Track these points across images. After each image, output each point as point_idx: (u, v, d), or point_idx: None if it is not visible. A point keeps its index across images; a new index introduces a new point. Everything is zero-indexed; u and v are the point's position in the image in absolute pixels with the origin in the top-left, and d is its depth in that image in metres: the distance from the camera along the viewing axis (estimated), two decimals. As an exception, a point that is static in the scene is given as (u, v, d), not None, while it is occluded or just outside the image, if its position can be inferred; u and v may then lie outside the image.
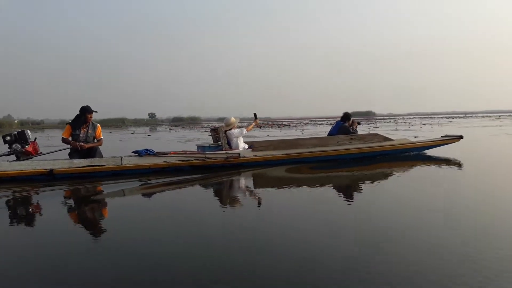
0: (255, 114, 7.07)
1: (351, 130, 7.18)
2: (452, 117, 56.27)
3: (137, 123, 68.55)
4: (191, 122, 74.30)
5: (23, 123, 56.11)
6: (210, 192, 4.94)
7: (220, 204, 4.17)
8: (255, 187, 5.06)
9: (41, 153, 6.12)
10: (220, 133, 6.46)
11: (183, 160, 6.03)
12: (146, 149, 6.02)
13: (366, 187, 4.77)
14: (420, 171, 6.03)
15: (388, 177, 5.45)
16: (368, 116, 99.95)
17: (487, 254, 2.29)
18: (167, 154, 6.08)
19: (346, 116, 7.39)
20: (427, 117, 62.24)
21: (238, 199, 4.39)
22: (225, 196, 4.64)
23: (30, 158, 5.80)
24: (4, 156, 5.79)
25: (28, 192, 4.87)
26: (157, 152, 6.04)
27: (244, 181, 5.53)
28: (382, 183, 4.99)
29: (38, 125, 57.99)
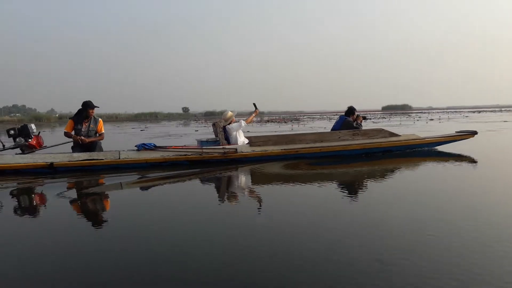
0: (254, 104, 6.97)
1: (355, 125, 6.92)
2: (500, 111, 53.04)
3: (170, 117, 69.80)
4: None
5: (61, 116, 58.56)
6: (203, 187, 4.94)
7: (211, 199, 4.15)
8: (250, 183, 5.03)
9: (45, 146, 6.34)
10: (217, 127, 6.43)
11: (180, 155, 6.06)
12: (144, 144, 6.09)
13: (367, 184, 4.58)
14: (428, 168, 5.72)
15: (392, 174, 5.25)
16: (404, 110, 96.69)
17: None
18: (165, 148, 6.13)
19: (350, 110, 7.12)
20: (465, 111, 59.36)
21: (232, 195, 4.40)
22: (219, 191, 4.62)
23: (34, 151, 6.01)
24: (10, 149, 6.04)
25: (29, 184, 5.07)
26: (155, 147, 6.10)
27: (240, 177, 5.49)
28: (384, 181, 4.79)
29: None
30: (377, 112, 73.64)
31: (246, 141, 6.58)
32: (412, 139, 6.84)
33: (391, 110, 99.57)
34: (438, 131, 11.03)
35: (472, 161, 6.09)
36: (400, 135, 6.81)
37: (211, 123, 7.25)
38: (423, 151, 6.93)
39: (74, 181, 5.23)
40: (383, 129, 6.79)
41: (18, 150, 6.06)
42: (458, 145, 7.23)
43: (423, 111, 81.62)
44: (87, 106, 6.15)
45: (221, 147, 6.23)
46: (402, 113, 60.12)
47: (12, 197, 4.44)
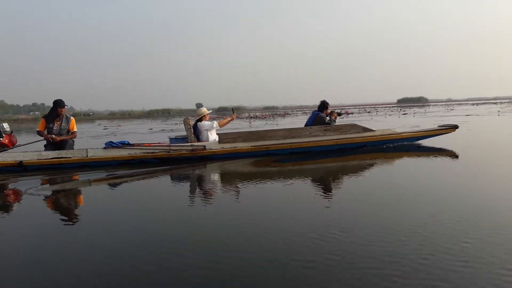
0: (232, 109, 7.06)
1: (327, 121, 6.78)
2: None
3: (183, 113, 70.40)
4: (236, 111, 74.71)
5: (76, 114, 59.71)
6: (162, 185, 4.87)
7: (165, 197, 4.11)
8: (215, 181, 5.01)
9: (19, 145, 6.45)
10: (185, 124, 6.40)
11: (148, 152, 6.07)
12: (111, 142, 6.13)
13: (335, 181, 4.51)
14: (403, 162, 5.66)
15: (364, 169, 5.15)
16: (420, 102, 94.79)
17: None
18: (131, 146, 6.15)
19: (323, 105, 6.92)
20: (483, 103, 57.75)
21: (197, 191, 4.41)
22: (180, 189, 4.60)
23: (6, 150, 6.12)
24: (-16, 149, 6.16)
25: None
26: (122, 144, 6.12)
27: (204, 174, 5.47)
28: (353, 176, 4.73)
29: (89, 116, 61.50)
30: (387, 106, 72.37)
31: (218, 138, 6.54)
32: (388, 134, 6.67)
33: (406, 102, 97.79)
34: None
35: (453, 155, 5.98)
36: (374, 130, 6.65)
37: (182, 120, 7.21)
38: (403, 146, 6.77)
39: (44, 179, 5.28)
40: (356, 124, 6.64)
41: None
42: (442, 140, 7.06)
43: (441, 103, 79.84)
44: (57, 105, 6.23)
45: (189, 144, 6.22)
46: (416, 105, 58.98)
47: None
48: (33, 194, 4.35)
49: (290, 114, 40.89)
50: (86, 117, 60.52)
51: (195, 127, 6.61)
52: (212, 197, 3.92)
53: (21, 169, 5.71)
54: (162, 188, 4.62)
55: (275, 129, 6.70)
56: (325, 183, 4.44)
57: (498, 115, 19.49)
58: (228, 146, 6.23)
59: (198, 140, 6.48)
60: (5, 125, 6.26)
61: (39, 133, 6.26)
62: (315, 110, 7.03)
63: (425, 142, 6.97)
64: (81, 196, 4.33)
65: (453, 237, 2.36)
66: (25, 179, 5.24)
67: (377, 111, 35.25)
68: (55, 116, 6.26)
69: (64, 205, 3.90)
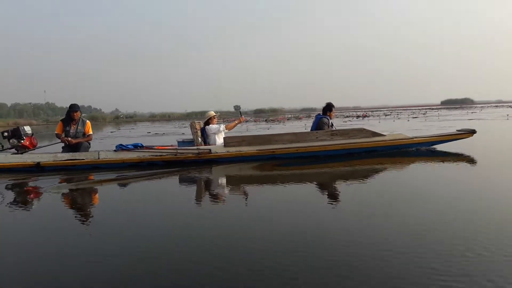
0: (240, 112, 7.02)
1: (330, 124, 6.66)
2: None
3: (221, 115, 71.44)
4: (271, 113, 74.81)
5: (118, 116, 62.23)
6: (172, 185, 5.11)
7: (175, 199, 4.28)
8: (220, 184, 5.11)
9: (39, 146, 6.86)
10: (192, 128, 6.53)
11: (156, 155, 6.26)
12: (121, 144, 6.37)
13: (341, 186, 4.49)
14: (415, 168, 5.43)
15: (372, 176, 4.99)
16: (465, 103, 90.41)
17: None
18: (141, 149, 6.36)
19: (327, 108, 6.74)
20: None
21: (200, 194, 4.50)
22: (185, 191, 4.76)
23: (27, 151, 6.52)
24: (8, 150, 6.60)
25: (17, 181, 5.54)
26: (133, 147, 6.34)
27: (209, 177, 5.57)
28: (363, 183, 4.54)
29: (131, 118, 63.89)
30: (427, 107, 69.53)
31: (224, 142, 6.61)
32: (398, 139, 6.45)
33: (450, 104, 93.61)
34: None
35: (470, 160, 5.72)
36: (384, 135, 6.45)
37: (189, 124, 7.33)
38: (416, 151, 6.53)
39: (58, 179, 5.61)
40: (364, 129, 6.47)
41: (15, 151, 6.62)
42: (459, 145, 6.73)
43: (488, 104, 75.67)
44: (71, 109, 6.57)
45: (195, 147, 6.33)
46: (459, 107, 56.34)
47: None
48: (50, 192, 4.73)
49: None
50: (128, 119, 62.86)
51: (203, 130, 6.74)
52: (213, 201, 4.09)
53: (38, 169, 6.07)
54: (167, 189, 4.85)
55: (281, 133, 6.68)
56: (328, 190, 4.38)
57: (507, 119, 17.71)
58: (233, 149, 6.28)
59: (206, 143, 6.59)
60: (27, 128, 6.67)
61: (57, 135, 6.63)
62: (319, 114, 6.91)
63: (440, 147, 6.67)
64: (94, 195, 4.70)
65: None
66: (43, 179, 5.58)
67: (398, 114, 33.65)
68: (71, 120, 6.59)
69: (78, 202, 4.32)
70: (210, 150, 6.26)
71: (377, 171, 5.26)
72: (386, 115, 32.06)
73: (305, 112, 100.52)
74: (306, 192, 4.26)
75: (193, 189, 4.82)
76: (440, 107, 70.46)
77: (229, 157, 6.24)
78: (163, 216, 3.45)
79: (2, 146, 6.60)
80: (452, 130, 7.24)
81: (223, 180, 5.31)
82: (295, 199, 3.81)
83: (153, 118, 65.71)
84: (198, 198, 4.27)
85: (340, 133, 6.36)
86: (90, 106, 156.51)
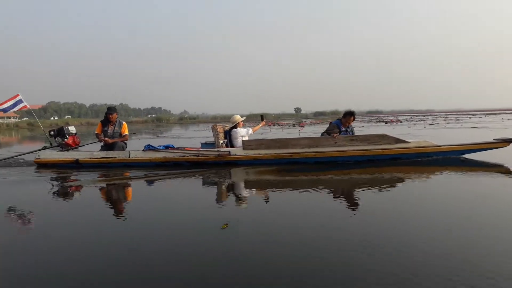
0: (261, 116, 7.32)
1: (335, 131, 6.67)
2: None
3: (279, 117, 71.81)
4: (333, 116, 73.53)
5: (182, 117, 65.13)
6: (191, 185, 5.32)
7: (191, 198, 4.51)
8: (238, 185, 5.22)
9: (82, 145, 7.56)
10: (213, 131, 6.78)
11: (179, 156, 6.61)
12: (149, 145, 6.81)
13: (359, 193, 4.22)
14: (442, 178, 5.01)
15: (392, 185, 4.64)
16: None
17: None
18: (166, 150, 6.75)
19: (343, 114, 6.88)
20: None
21: (214, 195, 4.67)
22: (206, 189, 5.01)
23: (69, 149, 7.23)
24: (55, 147, 7.37)
25: (59, 175, 6.22)
26: (158, 148, 6.76)
27: (227, 178, 5.70)
28: (377, 192, 4.16)
29: (194, 120, 66.54)
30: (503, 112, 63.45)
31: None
32: (424, 147, 6.13)
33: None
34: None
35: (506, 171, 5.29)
36: (408, 142, 6.17)
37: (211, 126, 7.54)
38: (444, 160, 6.16)
39: (92, 174, 6.18)
40: (386, 135, 6.22)
41: (60, 148, 7.38)
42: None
43: None
44: (108, 111, 7.16)
45: (216, 149, 6.58)
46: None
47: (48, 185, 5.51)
48: (86, 185, 5.37)
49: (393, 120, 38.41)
50: (191, 120, 65.58)
51: (228, 133, 6.98)
52: (222, 201, 4.24)
53: (77, 165, 6.73)
54: (188, 188, 5.10)
55: (298, 138, 6.67)
56: (339, 199, 4.15)
57: None
58: (252, 152, 6.42)
59: (232, 145, 6.83)
60: (71, 128, 7.41)
61: (96, 135, 7.27)
62: (338, 119, 6.89)
63: (472, 157, 6.23)
64: (125, 190, 5.11)
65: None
66: (81, 174, 6.19)
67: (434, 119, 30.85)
68: (108, 121, 7.19)
69: (112, 195, 4.80)
70: (229, 152, 6.46)
71: (396, 181, 4.85)
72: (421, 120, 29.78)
73: (370, 115, 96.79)
74: (313, 202, 3.93)
75: (217, 191, 4.88)
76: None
77: (248, 160, 6.39)
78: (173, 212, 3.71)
79: (51, 144, 7.38)
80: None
81: (239, 184, 5.32)
82: (300, 208, 3.67)
83: (214, 119, 67.90)
84: (214, 197, 4.45)
85: (360, 138, 6.21)
86: (160, 108, 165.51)
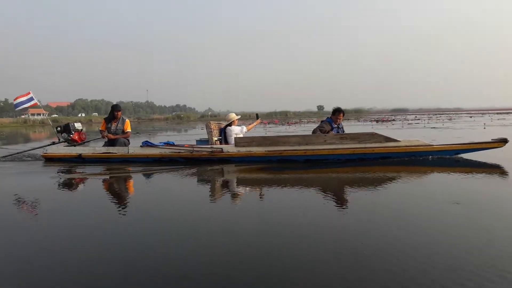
0: (257, 115, 7.48)
1: (325, 128, 6.72)
2: None
3: (301, 115, 71.58)
4: (355, 114, 72.28)
5: (203, 115, 65.94)
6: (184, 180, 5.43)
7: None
8: (230, 182, 5.32)
9: (88, 140, 7.95)
10: (207, 128, 6.99)
11: (174, 152, 6.86)
12: (147, 141, 7.09)
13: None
14: (433, 178, 4.89)
15: (380, 184, 4.58)
16: None
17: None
18: (162, 146, 7.01)
19: (332, 112, 6.91)
20: None
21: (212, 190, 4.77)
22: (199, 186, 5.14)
23: (75, 145, 7.62)
24: (62, 142, 7.78)
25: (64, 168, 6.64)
26: (155, 145, 7.03)
27: (219, 174, 5.85)
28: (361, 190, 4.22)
29: (215, 117, 67.22)
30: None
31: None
32: (414, 146, 6.12)
33: None
34: None
35: (501, 172, 5.13)
36: (399, 140, 6.18)
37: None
38: (438, 159, 6.11)
39: (93, 168, 6.56)
40: (376, 133, 6.25)
41: (67, 143, 7.79)
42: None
43: None
44: (114, 108, 7.51)
45: (209, 146, 6.79)
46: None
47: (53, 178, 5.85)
48: (88, 178, 5.80)
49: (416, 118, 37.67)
50: (213, 117, 66.36)
51: (223, 130, 7.18)
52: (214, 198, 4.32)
53: (80, 160, 7.10)
54: (181, 183, 5.22)
55: (289, 135, 6.77)
56: (328, 197, 4.13)
57: None
58: (243, 149, 6.59)
59: (226, 142, 7.03)
60: (77, 125, 7.81)
61: (100, 131, 7.63)
62: (328, 117, 6.97)
63: (466, 156, 6.16)
64: (126, 182, 5.43)
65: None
66: (83, 168, 6.57)
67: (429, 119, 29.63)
68: (112, 118, 7.53)
69: (112, 188, 5.10)
70: (222, 149, 6.65)
71: (386, 180, 4.80)
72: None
73: (396, 112, 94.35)
74: (302, 200, 3.91)
75: (211, 187, 4.96)
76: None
77: (239, 157, 6.56)
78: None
79: (59, 140, 7.80)
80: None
81: (229, 181, 5.37)
82: (289, 205, 3.69)
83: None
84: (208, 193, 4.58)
85: (350, 137, 6.26)
86: (185, 105, 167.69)
